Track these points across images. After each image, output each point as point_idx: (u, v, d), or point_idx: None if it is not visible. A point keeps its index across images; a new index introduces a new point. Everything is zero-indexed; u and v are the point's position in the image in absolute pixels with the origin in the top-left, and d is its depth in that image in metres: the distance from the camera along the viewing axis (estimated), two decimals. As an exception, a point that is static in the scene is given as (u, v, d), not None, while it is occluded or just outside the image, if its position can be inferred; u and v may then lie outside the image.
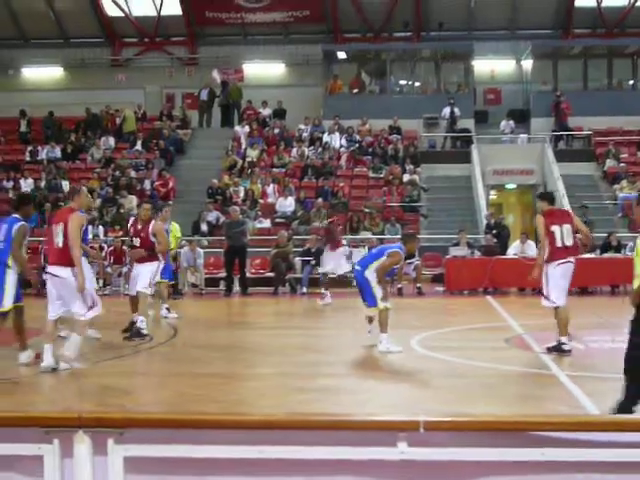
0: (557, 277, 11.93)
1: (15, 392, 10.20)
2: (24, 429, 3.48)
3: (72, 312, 11.20)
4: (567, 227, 11.93)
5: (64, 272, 10.96)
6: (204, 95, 33.45)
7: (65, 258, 10.96)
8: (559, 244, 11.87)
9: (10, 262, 11.22)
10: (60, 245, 11.05)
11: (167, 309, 17.00)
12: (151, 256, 13.84)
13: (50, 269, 11.19)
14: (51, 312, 11.25)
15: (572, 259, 11.98)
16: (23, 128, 33.35)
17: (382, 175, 29.58)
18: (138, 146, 32.04)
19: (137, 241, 14.04)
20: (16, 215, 11.45)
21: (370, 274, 12.61)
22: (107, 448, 3.36)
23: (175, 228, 19.93)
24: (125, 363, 12.08)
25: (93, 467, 3.38)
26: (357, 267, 13.20)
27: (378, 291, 12.56)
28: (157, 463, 3.37)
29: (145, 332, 13.54)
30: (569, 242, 11.92)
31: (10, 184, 29.74)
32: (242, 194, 28.11)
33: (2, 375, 11.15)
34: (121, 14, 35.59)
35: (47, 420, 3.44)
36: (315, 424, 3.43)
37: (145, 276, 13.72)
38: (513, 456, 3.33)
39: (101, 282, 22.38)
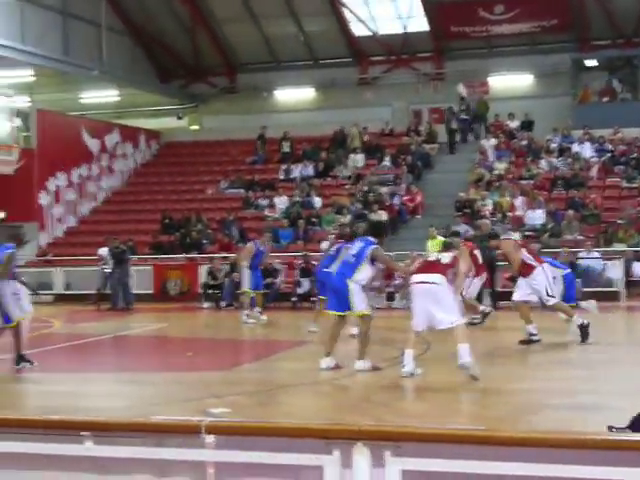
0: None
1: (271, 403, 10.65)
2: (305, 440, 3.68)
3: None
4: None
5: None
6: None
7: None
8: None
9: (356, 277, 12.25)
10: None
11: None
12: None
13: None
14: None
15: None
16: (286, 149, 34.70)
17: (636, 185, 28.50)
18: (386, 162, 32.57)
19: None
20: (371, 239, 12.60)
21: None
22: (384, 461, 3.49)
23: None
24: (379, 376, 12.31)
25: (372, 479, 3.52)
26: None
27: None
28: (433, 477, 3.46)
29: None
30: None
31: (266, 202, 31.05)
32: (490, 207, 27.92)
33: (264, 385, 11.70)
34: (368, 33, 36.30)
35: (327, 432, 3.62)
36: (589, 443, 3.42)
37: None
38: None
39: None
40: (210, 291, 25.73)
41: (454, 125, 33.28)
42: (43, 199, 32.10)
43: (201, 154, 37.11)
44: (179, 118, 39.64)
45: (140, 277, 26.92)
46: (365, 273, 12.40)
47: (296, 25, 36.70)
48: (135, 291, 25.98)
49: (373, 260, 12.44)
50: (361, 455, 3.53)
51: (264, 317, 20.93)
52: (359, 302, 12.36)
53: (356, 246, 12.71)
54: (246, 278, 20.98)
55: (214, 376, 12.74)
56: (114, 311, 24.99)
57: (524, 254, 15.43)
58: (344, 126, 34.18)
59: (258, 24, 36.89)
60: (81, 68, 33.84)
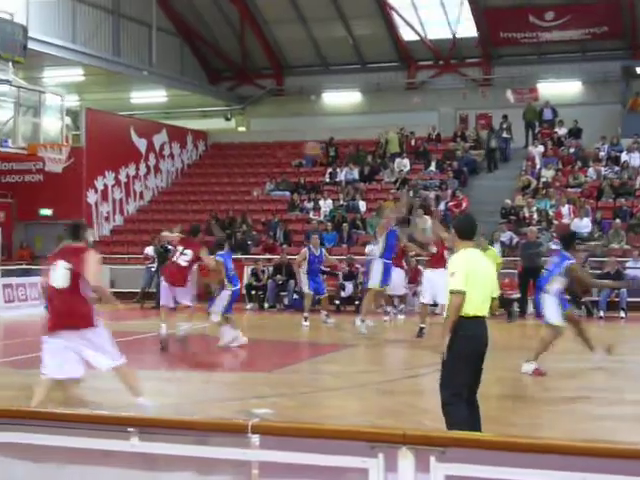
0: None
1: (313, 405, 10.67)
2: (350, 442, 3.70)
3: None
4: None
5: None
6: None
7: None
8: None
9: (548, 288, 13.10)
10: None
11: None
12: None
13: None
14: None
15: None
16: (332, 153, 34.77)
17: (686, 195, 28.14)
18: (432, 167, 32.49)
19: None
20: (568, 254, 13.20)
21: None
22: (429, 465, 3.50)
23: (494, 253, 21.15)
24: (421, 381, 12.30)
25: (416, 483, 3.53)
26: None
27: None
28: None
29: None
30: None
31: (311, 205, 31.11)
32: (536, 215, 27.71)
33: (306, 387, 11.72)
34: (417, 38, 36.23)
35: (372, 435, 3.63)
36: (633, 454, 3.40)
37: None
38: None
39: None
40: (253, 292, 25.83)
41: (493, 144, 33.00)
42: (91, 197, 32.44)
43: (248, 156, 37.29)
44: (227, 119, 39.84)
45: (184, 277, 27.00)
46: (556, 285, 13.05)
47: (345, 28, 36.72)
48: (179, 290, 26.07)
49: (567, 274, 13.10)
50: (405, 459, 3.54)
51: (331, 320, 20.67)
52: (551, 314, 13.12)
53: (552, 260, 13.66)
54: (304, 281, 21.09)
55: (256, 377, 12.81)
56: (158, 309, 25.11)
57: None
58: (386, 130, 34.16)
59: (307, 27, 37.00)
60: (131, 68, 34.16)
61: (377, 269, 18.12)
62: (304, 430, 3.92)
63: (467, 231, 7.99)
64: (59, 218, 31.51)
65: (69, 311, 9.03)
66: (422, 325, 17.65)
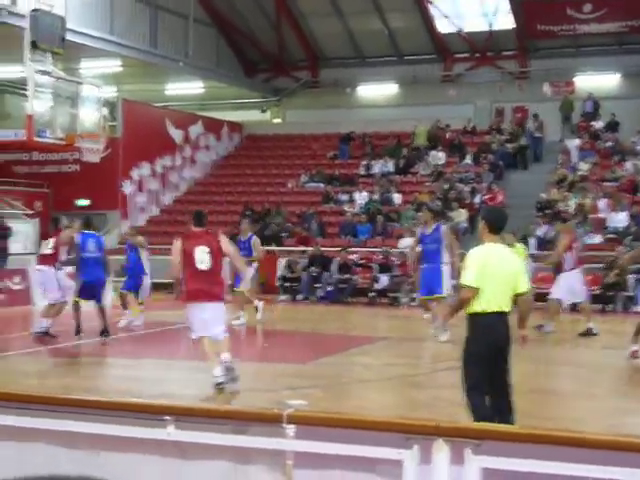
0: None
1: (346, 397, 10.69)
2: (385, 434, 3.70)
3: None
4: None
5: None
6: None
7: None
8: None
9: None
10: None
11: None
12: None
13: None
14: None
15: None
16: (368, 150, 34.69)
17: None
18: (468, 160, 32.35)
19: None
20: None
21: None
22: (464, 458, 3.49)
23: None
24: (454, 375, 12.26)
25: (450, 475, 3.53)
26: None
27: None
28: (513, 476, 3.46)
29: None
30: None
31: (346, 197, 31.10)
32: (572, 208, 27.53)
33: (339, 379, 11.74)
34: (453, 30, 36.07)
35: (408, 427, 3.64)
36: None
37: None
38: None
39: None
40: (287, 284, 25.87)
41: (523, 141, 32.74)
42: (127, 188, 32.64)
43: (282, 147, 37.36)
44: (263, 111, 39.93)
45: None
46: None
47: (381, 21, 36.60)
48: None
49: None
50: (440, 451, 3.54)
51: (236, 321, 18.36)
52: None
53: None
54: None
55: (289, 368, 12.84)
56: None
57: None
58: (419, 122, 34.11)
59: (343, 19, 36.93)
60: (167, 60, 34.29)
61: None
62: (339, 421, 3.94)
63: (497, 224, 7.86)
64: (95, 208, 31.80)
65: (207, 287, 10.76)
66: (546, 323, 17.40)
